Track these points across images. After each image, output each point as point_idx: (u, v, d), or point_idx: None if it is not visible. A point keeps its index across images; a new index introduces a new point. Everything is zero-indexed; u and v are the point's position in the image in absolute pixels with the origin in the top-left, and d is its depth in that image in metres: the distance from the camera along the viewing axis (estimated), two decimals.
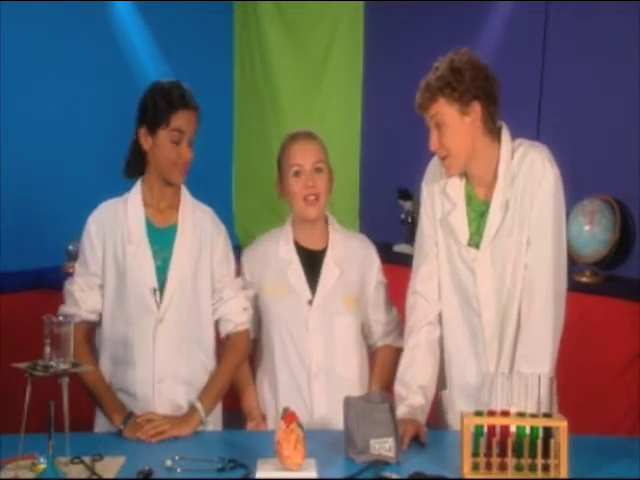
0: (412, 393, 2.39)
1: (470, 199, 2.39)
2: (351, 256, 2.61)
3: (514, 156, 2.32)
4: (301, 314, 2.53)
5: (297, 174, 2.53)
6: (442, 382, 2.49)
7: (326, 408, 2.50)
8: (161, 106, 2.36)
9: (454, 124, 2.27)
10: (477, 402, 2.31)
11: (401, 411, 2.31)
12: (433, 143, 2.30)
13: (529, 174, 2.29)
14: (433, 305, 2.45)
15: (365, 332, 2.67)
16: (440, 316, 2.46)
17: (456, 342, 2.43)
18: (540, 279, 2.31)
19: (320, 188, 2.53)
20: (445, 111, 2.26)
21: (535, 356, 2.28)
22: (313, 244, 2.61)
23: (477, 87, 2.26)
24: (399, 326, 2.67)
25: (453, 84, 2.24)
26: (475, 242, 2.37)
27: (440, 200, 2.43)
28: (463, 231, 2.38)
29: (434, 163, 2.47)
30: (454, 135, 2.28)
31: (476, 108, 2.27)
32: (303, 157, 2.54)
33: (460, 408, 2.34)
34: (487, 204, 2.36)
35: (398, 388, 2.41)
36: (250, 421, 2.57)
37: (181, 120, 2.37)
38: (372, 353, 2.69)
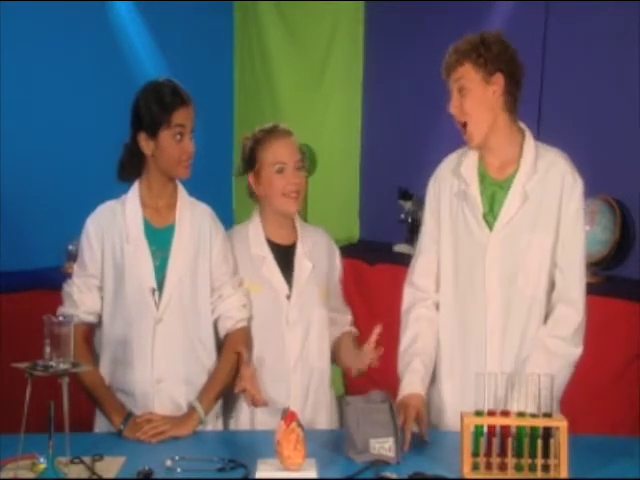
0: (417, 360, 2.41)
1: (483, 177, 2.41)
2: (318, 249, 2.66)
3: (540, 156, 2.37)
4: (280, 309, 2.56)
5: (281, 171, 2.54)
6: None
7: (302, 400, 2.52)
8: (159, 108, 2.36)
9: (477, 91, 2.31)
10: (467, 399, 2.30)
11: (405, 383, 2.35)
12: (453, 106, 2.34)
13: (559, 182, 2.34)
14: (431, 294, 2.47)
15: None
16: (437, 306, 2.46)
17: (449, 337, 2.43)
18: (575, 282, 2.35)
19: (302, 184, 2.58)
20: (470, 76, 2.30)
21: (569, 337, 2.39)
22: (283, 239, 2.63)
23: (502, 61, 2.31)
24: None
25: (480, 50, 2.30)
26: (488, 222, 2.38)
27: (449, 197, 2.43)
28: (478, 206, 2.39)
29: (448, 161, 2.49)
30: (476, 102, 2.32)
31: (499, 80, 2.32)
32: (287, 155, 2.55)
33: (448, 405, 2.41)
34: (500, 185, 2.38)
35: (403, 359, 2.42)
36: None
37: (181, 116, 2.37)
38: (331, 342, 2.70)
